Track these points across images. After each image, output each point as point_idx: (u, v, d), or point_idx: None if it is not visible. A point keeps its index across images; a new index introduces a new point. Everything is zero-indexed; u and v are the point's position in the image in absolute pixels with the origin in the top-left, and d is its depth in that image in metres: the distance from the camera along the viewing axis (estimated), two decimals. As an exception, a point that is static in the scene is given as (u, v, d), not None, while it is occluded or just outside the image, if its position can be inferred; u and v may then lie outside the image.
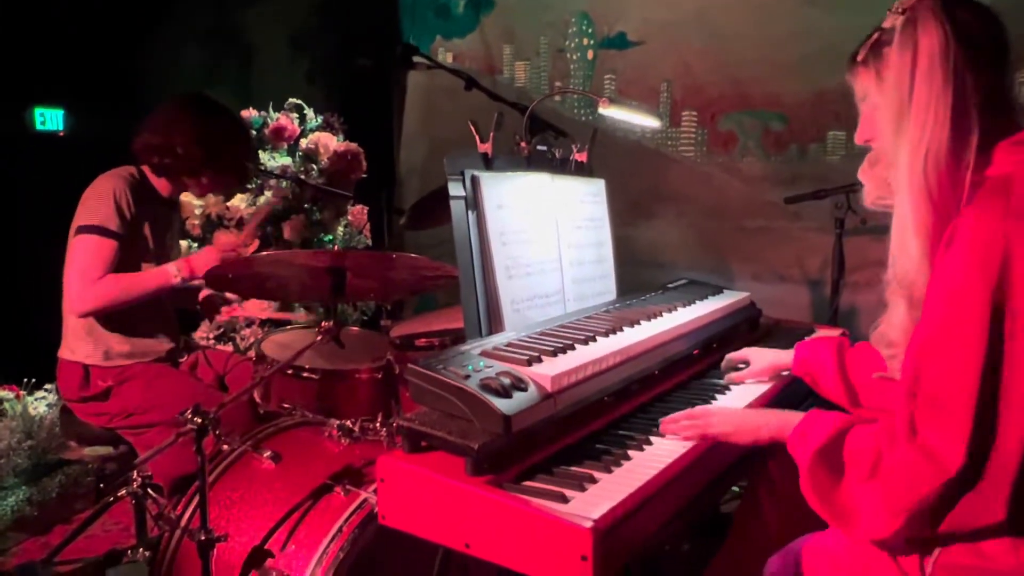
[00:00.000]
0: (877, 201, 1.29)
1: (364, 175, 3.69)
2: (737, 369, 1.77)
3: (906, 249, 1.19)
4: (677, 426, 1.41)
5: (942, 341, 1.09)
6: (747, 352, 1.78)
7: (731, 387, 1.72)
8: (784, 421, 1.30)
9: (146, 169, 2.40)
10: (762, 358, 1.74)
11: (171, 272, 2.28)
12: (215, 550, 1.61)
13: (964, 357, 1.06)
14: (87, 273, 2.20)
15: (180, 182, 2.43)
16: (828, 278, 2.89)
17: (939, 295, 1.11)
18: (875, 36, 1.25)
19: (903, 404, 1.12)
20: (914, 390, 1.11)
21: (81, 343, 2.35)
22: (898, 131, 1.19)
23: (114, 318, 2.34)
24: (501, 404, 1.22)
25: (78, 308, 2.24)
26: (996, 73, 1.20)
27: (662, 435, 1.41)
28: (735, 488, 2.28)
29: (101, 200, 2.26)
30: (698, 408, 1.46)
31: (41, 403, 3.23)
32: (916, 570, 1.18)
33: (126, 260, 2.27)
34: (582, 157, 2.06)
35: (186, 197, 3.25)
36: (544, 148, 1.94)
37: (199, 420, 1.51)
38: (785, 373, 1.74)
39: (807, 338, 2.10)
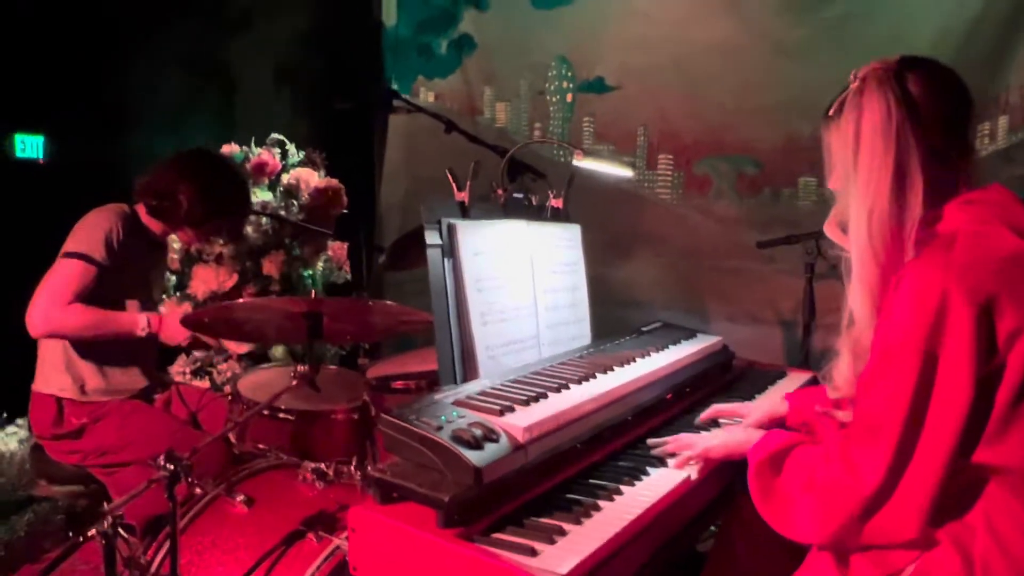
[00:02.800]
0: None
1: (345, 211, 3.71)
2: (716, 423, 1.79)
3: (856, 304, 1.28)
4: (680, 459, 1.52)
5: (879, 377, 1.20)
6: (740, 406, 1.82)
7: (704, 432, 1.74)
8: (754, 436, 1.45)
9: (140, 208, 2.41)
10: (758, 410, 1.78)
11: (140, 324, 2.27)
12: (185, 597, 1.60)
13: (896, 393, 1.17)
14: (57, 294, 2.18)
15: (174, 228, 2.44)
16: (800, 320, 2.94)
17: (882, 334, 1.21)
18: (841, 96, 1.32)
19: (844, 429, 1.27)
20: (855, 416, 1.24)
21: (57, 375, 2.33)
22: (847, 191, 1.28)
23: (93, 351, 2.33)
24: (473, 456, 1.24)
25: (38, 327, 2.20)
26: (947, 135, 1.27)
27: (632, 484, 1.44)
28: (712, 527, 2.30)
29: (92, 230, 2.27)
30: (682, 436, 1.58)
31: (12, 438, 3.18)
32: None
33: (107, 294, 2.27)
34: (558, 203, 2.10)
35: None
36: (520, 195, 1.98)
37: (171, 467, 1.51)
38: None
39: (779, 381, 2.16)
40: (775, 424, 1.75)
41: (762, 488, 1.33)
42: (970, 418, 1.15)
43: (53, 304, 2.18)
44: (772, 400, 1.80)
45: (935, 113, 1.26)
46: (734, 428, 1.66)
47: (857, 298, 1.27)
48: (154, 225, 2.44)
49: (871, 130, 1.24)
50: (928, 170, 1.24)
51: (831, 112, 1.33)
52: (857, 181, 1.25)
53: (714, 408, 1.80)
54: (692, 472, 1.50)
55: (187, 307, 3.02)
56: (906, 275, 1.19)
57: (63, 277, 2.21)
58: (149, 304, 2.52)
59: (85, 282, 2.21)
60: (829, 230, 1.39)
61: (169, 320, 2.33)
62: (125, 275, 2.34)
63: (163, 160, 2.41)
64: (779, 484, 1.31)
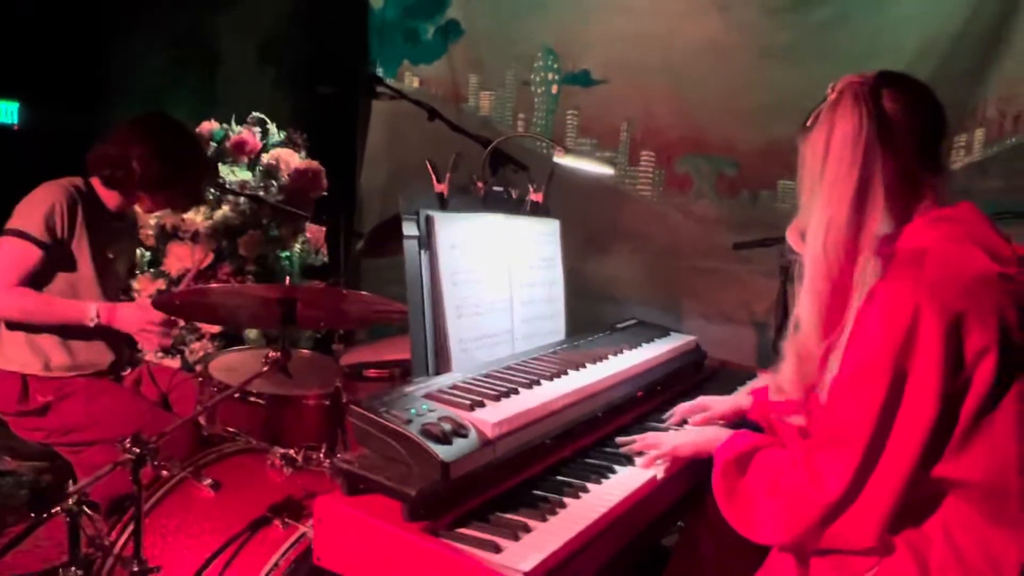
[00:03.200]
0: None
1: (324, 193, 3.68)
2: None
3: (803, 309, 1.30)
4: (648, 458, 1.53)
5: (848, 389, 1.22)
6: (705, 400, 1.82)
7: (672, 430, 1.76)
8: (722, 436, 1.47)
9: (95, 181, 2.36)
10: (720, 405, 1.79)
11: (89, 314, 2.24)
12: (147, 581, 1.59)
13: (864, 406, 1.19)
14: (1, 278, 2.15)
15: (130, 196, 2.39)
16: (772, 322, 2.97)
17: (852, 348, 1.23)
18: (818, 108, 1.33)
19: (810, 436, 1.29)
20: (821, 424, 1.26)
21: (18, 351, 2.29)
22: (811, 200, 1.29)
23: (56, 327, 2.29)
24: (440, 451, 1.24)
25: None
26: (917, 153, 1.29)
27: (599, 482, 1.45)
28: (679, 523, 2.32)
29: (35, 207, 2.22)
30: (650, 436, 1.58)
31: (-25, 412, 3.13)
32: None
33: (53, 273, 2.23)
34: (538, 197, 2.10)
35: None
36: (500, 188, 1.98)
37: (137, 450, 1.49)
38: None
39: (750, 382, 2.18)
40: (738, 417, 1.78)
41: (727, 488, 1.35)
42: (934, 433, 1.18)
43: None
44: (737, 397, 1.81)
45: (907, 130, 1.27)
46: (704, 427, 1.68)
47: (805, 304, 1.29)
48: (111, 198, 2.39)
49: (840, 143, 1.25)
50: (894, 186, 1.26)
51: (808, 123, 1.34)
52: (821, 191, 1.27)
53: (679, 409, 1.80)
54: (659, 472, 1.51)
55: (146, 301, 2.96)
56: (878, 290, 1.21)
57: (5, 258, 2.17)
58: (113, 281, 2.48)
59: (28, 263, 2.18)
60: (790, 236, 1.40)
61: (123, 312, 2.29)
62: (79, 252, 2.29)
63: (112, 128, 2.35)
64: (743, 485, 1.34)
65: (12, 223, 2.21)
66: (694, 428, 1.70)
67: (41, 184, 2.29)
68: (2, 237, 2.19)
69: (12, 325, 2.30)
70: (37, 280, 2.23)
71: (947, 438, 1.20)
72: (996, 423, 1.20)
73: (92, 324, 2.25)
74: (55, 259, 2.23)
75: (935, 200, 1.31)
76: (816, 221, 1.27)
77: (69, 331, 2.31)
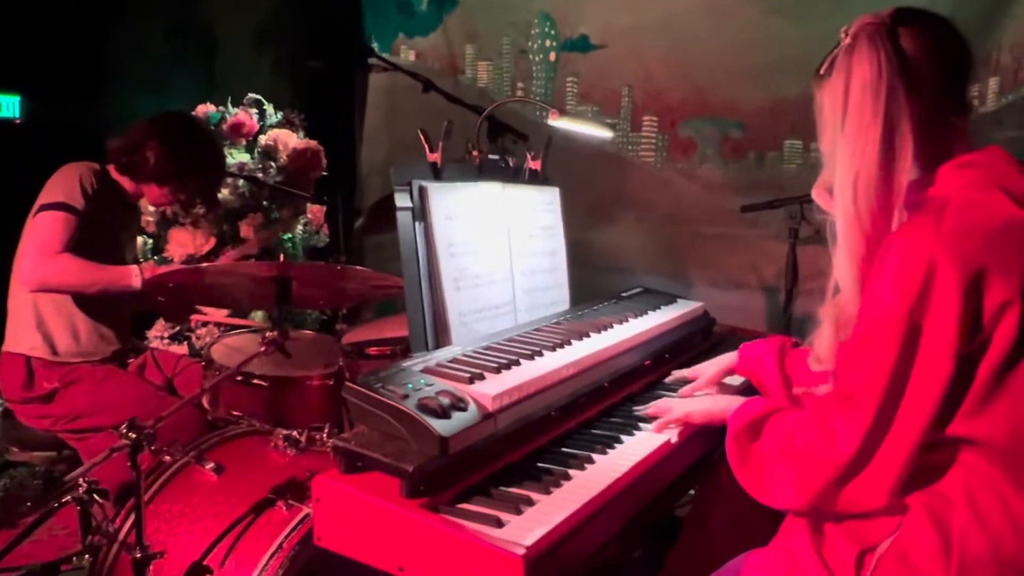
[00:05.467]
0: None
1: (324, 173, 3.65)
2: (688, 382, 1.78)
3: (841, 272, 1.23)
4: (659, 422, 1.51)
5: (861, 345, 1.17)
6: (695, 368, 1.79)
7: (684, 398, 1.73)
8: (735, 403, 1.42)
9: (111, 168, 2.39)
10: (710, 366, 1.76)
11: (133, 273, 2.24)
12: (152, 566, 1.58)
13: (877, 363, 1.14)
14: (46, 246, 2.15)
15: (141, 184, 2.41)
16: (783, 286, 2.92)
17: (866, 303, 1.18)
18: (832, 54, 1.26)
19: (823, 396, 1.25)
20: (833, 384, 1.22)
21: (27, 333, 2.29)
22: (833, 155, 1.22)
23: (64, 311, 2.30)
24: (438, 425, 1.21)
25: (30, 280, 2.18)
26: (942, 94, 1.22)
27: (605, 452, 1.42)
28: (692, 492, 2.30)
29: (66, 181, 2.25)
30: (662, 401, 1.56)
31: (-16, 404, 3.14)
32: None
33: (83, 250, 2.22)
34: (536, 165, 2.04)
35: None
36: (496, 157, 1.93)
37: (133, 435, 1.47)
38: (734, 381, 1.75)
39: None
40: (727, 374, 1.74)
41: (740, 454, 1.31)
42: (949, 391, 1.12)
43: (42, 255, 2.15)
44: (723, 356, 1.76)
45: (929, 71, 1.20)
46: (717, 395, 1.64)
47: (843, 266, 1.23)
48: (124, 183, 2.41)
49: (860, 90, 1.18)
50: (920, 132, 1.18)
51: (822, 71, 1.27)
52: (844, 143, 1.20)
53: (677, 373, 1.79)
54: (672, 436, 1.48)
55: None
56: (894, 241, 1.15)
57: (47, 228, 2.17)
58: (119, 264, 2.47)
59: (70, 231, 2.18)
60: (817, 194, 1.33)
61: (161, 268, 2.31)
62: (97, 232, 2.30)
63: (135, 122, 2.41)
64: (756, 449, 1.29)
65: (48, 199, 2.22)
66: (707, 395, 1.66)
67: (60, 168, 2.31)
68: (41, 213, 2.21)
69: (23, 306, 2.29)
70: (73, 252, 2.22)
71: (962, 397, 1.14)
72: (1020, 380, 1.14)
73: (136, 283, 2.22)
74: (83, 234, 2.23)
75: (962, 144, 1.23)
76: (843, 176, 1.20)
77: (79, 317, 2.32)
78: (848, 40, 1.22)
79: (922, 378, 1.12)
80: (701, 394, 1.70)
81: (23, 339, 2.30)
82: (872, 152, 1.17)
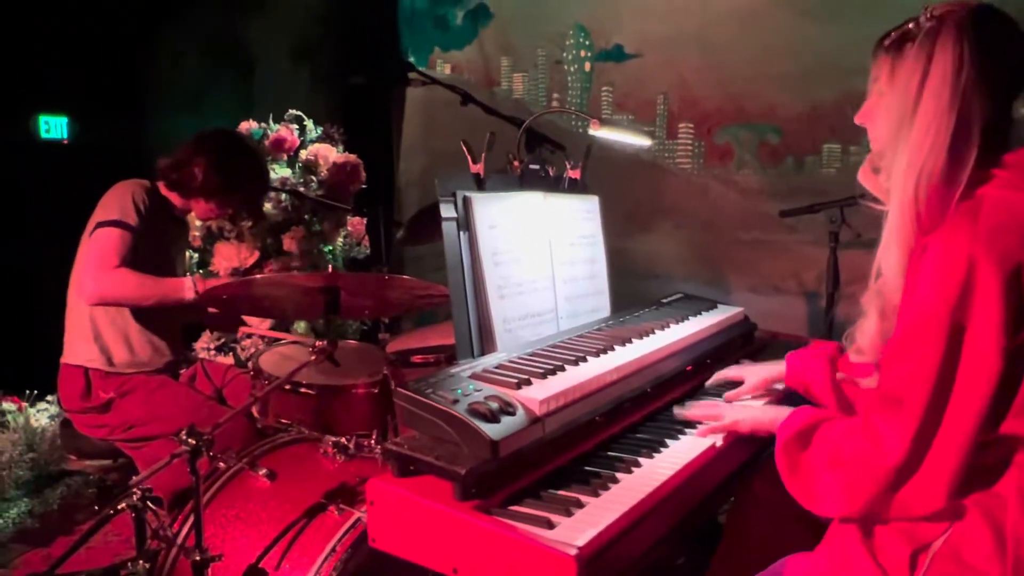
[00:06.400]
0: (874, 204, 1.30)
1: (363, 186, 3.71)
2: (732, 386, 1.77)
3: (888, 261, 1.23)
4: (705, 428, 1.52)
5: (905, 348, 1.16)
6: (740, 370, 1.79)
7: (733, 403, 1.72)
8: (783, 413, 1.41)
9: (160, 185, 2.47)
10: (755, 374, 1.75)
11: (187, 285, 2.31)
12: (210, 569, 1.63)
13: (922, 365, 1.13)
14: (104, 261, 2.23)
15: (191, 200, 2.49)
16: (824, 291, 2.90)
17: (907, 305, 1.17)
18: (905, 27, 1.23)
19: (868, 400, 1.23)
20: (879, 388, 1.20)
21: (85, 345, 2.37)
22: (896, 139, 1.20)
23: (119, 324, 2.38)
24: (489, 429, 1.23)
25: (91, 294, 2.25)
26: (1007, 97, 1.20)
27: (651, 456, 1.43)
28: (732, 499, 2.29)
29: (120, 198, 2.33)
30: (710, 404, 1.58)
31: (43, 415, 3.25)
32: None
33: (136, 264, 2.29)
34: (576, 174, 2.07)
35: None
36: (537, 167, 1.95)
37: (193, 441, 1.52)
38: (779, 386, 1.74)
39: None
40: (773, 384, 1.73)
41: (789, 464, 1.30)
42: (999, 389, 1.11)
43: (102, 269, 2.23)
44: (770, 364, 1.75)
45: (1005, 71, 1.18)
46: (766, 405, 1.63)
47: (892, 255, 1.21)
48: (174, 199, 2.49)
49: (940, 81, 1.15)
50: (989, 132, 1.16)
51: (887, 43, 1.23)
52: (912, 133, 1.17)
53: (718, 375, 1.78)
54: (717, 440, 1.49)
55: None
56: (931, 243, 1.15)
57: (105, 244, 2.26)
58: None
59: (126, 246, 2.26)
60: (863, 175, 1.31)
61: (213, 281, 2.37)
62: (150, 247, 2.37)
63: (184, 141, 2.49)
64: (805, 459, 1.28)
65: (103, 216, 2.31)
66: (756, 404, 1.65)
67: (113, 186, 2.40)
68: (98, 230, 2.29)
69: (80, 319, 2.38)
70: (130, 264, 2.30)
71: (1014, 394, 1.13)
72: None
73: (190, 296, 2.30)
74: (137, 250, 2.30)
75: (1010, 148, 1.21)
76: (907, 166, 1.18)
77: (134, 330, 2.39)
78: (932, 22, 1.18)
79: (969, 377, 1.12)
80: (747, 399, 1.71)
81: (81, 351, 2.38)
82: (942, 145, 1.15)
